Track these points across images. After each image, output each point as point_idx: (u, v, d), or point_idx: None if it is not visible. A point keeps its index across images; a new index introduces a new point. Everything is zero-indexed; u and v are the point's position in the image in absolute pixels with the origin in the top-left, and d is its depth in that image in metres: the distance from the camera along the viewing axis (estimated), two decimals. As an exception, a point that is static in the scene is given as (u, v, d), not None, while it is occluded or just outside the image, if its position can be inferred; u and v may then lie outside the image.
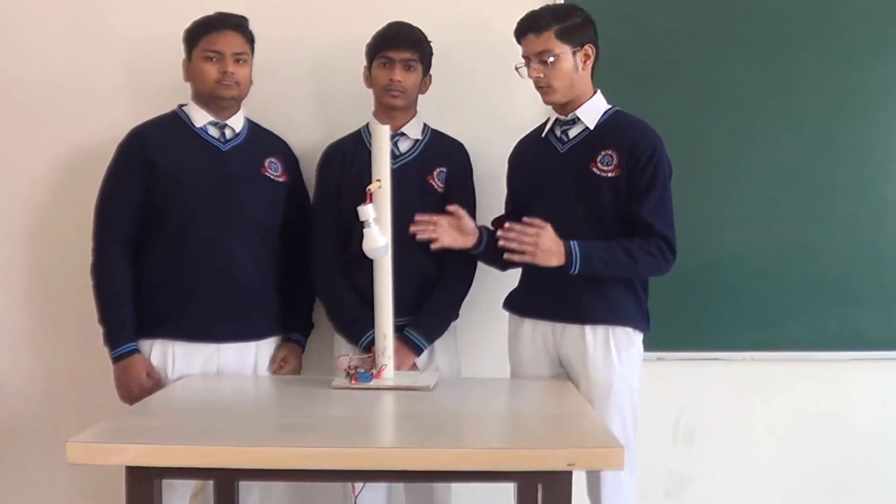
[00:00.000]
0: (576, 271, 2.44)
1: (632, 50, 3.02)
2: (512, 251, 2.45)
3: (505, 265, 2.68)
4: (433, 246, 2.58)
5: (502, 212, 2.78)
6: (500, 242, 2.44)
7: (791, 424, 3.17)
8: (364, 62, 2.77)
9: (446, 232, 2.59)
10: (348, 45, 2.83)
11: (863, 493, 3.17)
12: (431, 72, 2.79)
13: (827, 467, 3.17)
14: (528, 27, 2.52)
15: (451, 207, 2.60)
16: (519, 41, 2.55)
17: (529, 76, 2.54)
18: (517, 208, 2.69)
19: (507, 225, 2.46)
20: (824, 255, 3.10)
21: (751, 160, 3.08)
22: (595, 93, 2.60)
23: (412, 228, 2.56)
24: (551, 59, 2.49)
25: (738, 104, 3.07)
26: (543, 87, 2.54)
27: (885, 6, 3.08)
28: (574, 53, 2.52)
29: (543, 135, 2.66)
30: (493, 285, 2.79)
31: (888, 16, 3.08)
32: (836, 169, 3.10)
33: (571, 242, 2.45)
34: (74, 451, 1.82)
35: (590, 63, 2.56)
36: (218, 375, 2.64)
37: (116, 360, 2.61)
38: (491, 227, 2.67)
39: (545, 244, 2.43)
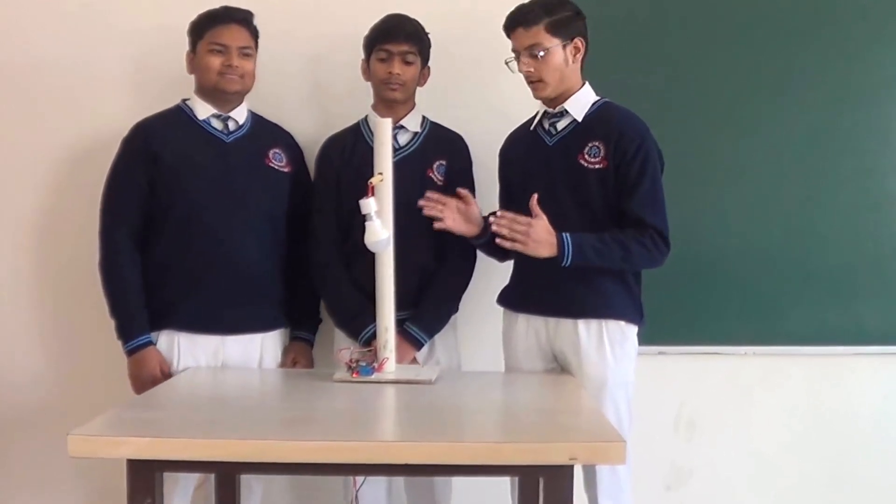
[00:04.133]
0: (568, 263, 2.43)
1: (631, 41, 3.01)
2: (504, 237, 2.44)
3: (504, 256, 2.68)
4: (436, 225, 2.56)
5: (497, 206, 2.77)
6: (493, 227, 2.44)
7: (791, 418, 3.17)
8: (362, 55, 2.77)
9: (452, 214, 2.58)
10: (346, 38, 2.82)
11: (863, 487, 3.17)
12: (429, 64, 2.78)
13: (828, 461, 3.17)
14: (518, 21, 2.50)
15: (461, 191, 2.58)
16: (508, 35, 2.53)
17: (520, 70, 2.53)
18: (509, 202, 2.68)
19: (499, 213, 2.46)
20: (825, 249, 3.10)
21: (751, 153, 3.07)
22: (583, 85, 2.59)
23: (420, 202, 2.55)
24: (542, 53, 2.48)
25: (737, 96, 3.07)
26: (534, 82, 2.53)
27: (886, -2, 3.09)
28: (564, 47, 2.51)
29: (532, 128, 2.65)
30: (492, 279, 2.79)
31: (889, 7, 3.08)
32: (836, 162, 3.10)
33: (564, 234, 2.44)
34: (75, 444, 1.81)
35: (579, 56, 2.55)
36: (220, 368, 2.64)
37: (130, 352, 2.62)
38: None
39: (537, 234, 2.42)
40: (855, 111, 3.09)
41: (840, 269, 3.11)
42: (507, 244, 2.44)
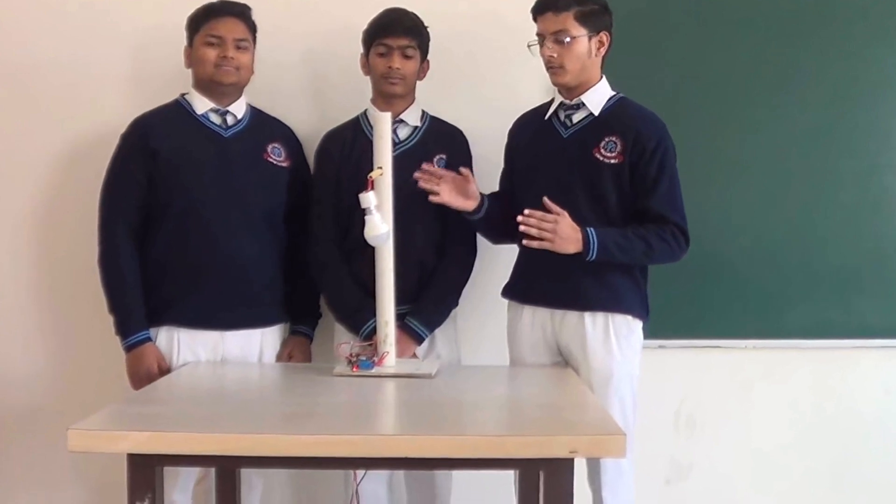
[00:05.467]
0: (593, 258, 2.44)
1: (632, 39, 2.99)
2: (531, 237, 2.44)
3: (498, 238, 2.68)
4: (432, 198, 2.56)
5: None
6: (521, 228, 2.44)
7: (793, 412, 3.17)
8: (361, 49, 2.76)
9: (448, 188, 2.58)
10: (344, 32, 2.82)
11: (865, 481, 3.17)
12: (429, 58, 2.77)
13: (830, 456, 3.17)
14: (548, 5, 2.50)
15: (463, 170, 2.59)
16: (535, 18, 2.53)
17: (542, 55, 2.53)
18: (514, 187, 2.68)
19: (527, 211, 2.45)
20: (827, 242, 3.10)
21: (754, 150, 3.07)
22: (601, 79, 2.59)
23: (416, 174, 2.56)
24: (567, 39, 2.48)
25: (740, 94, 3.07)
26: (555, 68, 2.52)
27: (887, -5, 3.08)
28: (590, 38, 2.51)
29: (546, 117, 2.64)
30: (493, 273, 2.78)
31: (891, 5, 3.07)
32: (838, 157, 3.10)
33: (588, 229, 2.45)
34: (75, 439, 1.81)
35: (602, 51, 2.56)
36: (220, 362, 2.64)
37: (128, 349, 2.61)
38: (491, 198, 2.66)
39: (564, 231, 2.43)
40: (857, 110, 3.09)
41: (842, 263, 3.10)
42: (534, 244, 2.44)
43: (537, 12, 2.53)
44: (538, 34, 2.53)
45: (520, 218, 2.44)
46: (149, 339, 2.62)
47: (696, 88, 3.06)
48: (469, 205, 2.60)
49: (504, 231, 2.53)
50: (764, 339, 3.12)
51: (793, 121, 3.08)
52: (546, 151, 2.60)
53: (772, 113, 3.07)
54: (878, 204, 3.11)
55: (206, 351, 2.65)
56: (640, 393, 2.61)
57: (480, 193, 2.62)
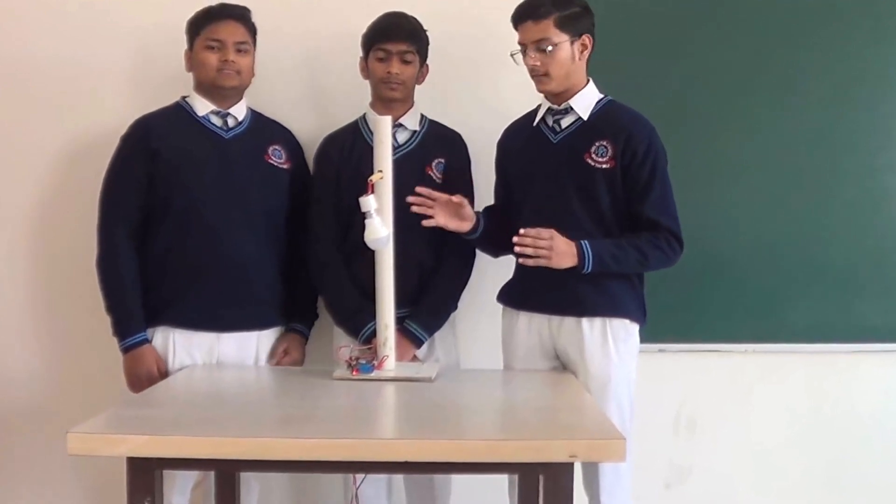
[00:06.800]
0: (588, 270, 2.44)
1: (633, 38, 3.00)
2: (527, 256, 2.43)
3: (497, 251, 2.67)
4: (425, 223, 2.55)
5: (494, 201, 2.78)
6: (517, 249, 2.43)
7: (792, 416, 3.17)
8: (360, 52, 2.75)
9: (443, 211, 2.56)
10: (344, 35, 2.82)
11: (864, 485, 3.17)
12: (428, 62, 2.77)
13: (828, 459, 3.17)
14: (527, 14, 2.48)
15: (455, 198, 2.56)
16: (516, 27, 2.52)
17: (525, 63, 2.51)
18: (508, 197, 2.68)
19: (521, 231, 2.43)
20: (827, 246, 3.10)
21: (752, 150, 3.07)
22: (588, 82, 2.58)
23: (409, 199, 2.53)
24: (549, 47, 2.47)
25: (739, 94, 3.06)
26: (539, 76, 2.51)
27: (887, -6, 3.08)
28: (572, 43, 2.49)
29: (535, 123, 2.63)
30: (491, 277, 2.78)
31: (891, 5, 3.07)
32: (838, 158, 3.09)
33: (583, 243, 2.44)
34: (74, 442, 1.81)
35: (586, 53, 2.54)
36: (219, 366, 2.64)
37: (126, 350, 2.61)
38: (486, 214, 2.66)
39: (560, 248, 2.42)
40: (858, 110, 3.08)
41: (842, 266, 3.10)
42: (530, 262, 2.43)
43: (517, 21, 2.51)
44: (520, 43, 2.51)
45: (515, 239, 2.43)
46: (146, 340, 2.62)
47: (696, 88, 3.06)
48: (464, 226, 2.58)
49: (502, 244, 2.52)
50: (763, 342, 3.12)
51: (793, 121, 3.07)
52: (538, 158, 2.59)
53: (772, 113, 3.07)
54: (879, 204, 3.11)
55: (201, 353, 2.64)
56: (640, 397, 2.60)
57: (476, 213, 2.61)
